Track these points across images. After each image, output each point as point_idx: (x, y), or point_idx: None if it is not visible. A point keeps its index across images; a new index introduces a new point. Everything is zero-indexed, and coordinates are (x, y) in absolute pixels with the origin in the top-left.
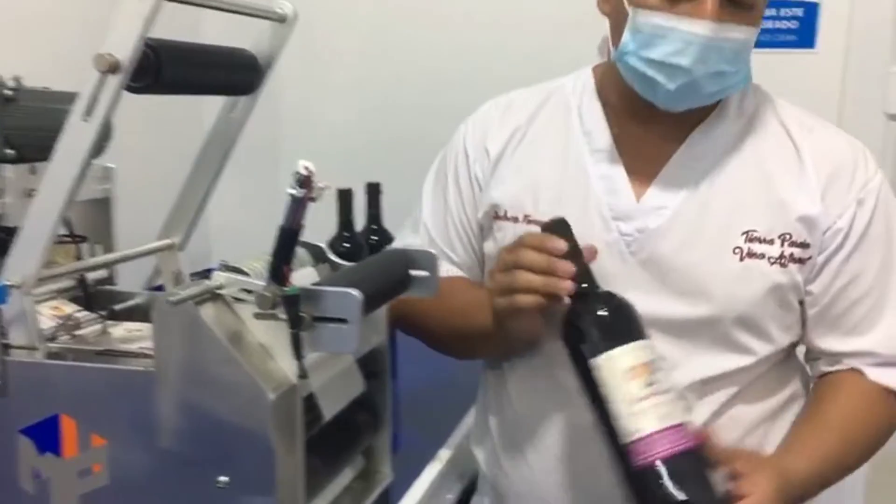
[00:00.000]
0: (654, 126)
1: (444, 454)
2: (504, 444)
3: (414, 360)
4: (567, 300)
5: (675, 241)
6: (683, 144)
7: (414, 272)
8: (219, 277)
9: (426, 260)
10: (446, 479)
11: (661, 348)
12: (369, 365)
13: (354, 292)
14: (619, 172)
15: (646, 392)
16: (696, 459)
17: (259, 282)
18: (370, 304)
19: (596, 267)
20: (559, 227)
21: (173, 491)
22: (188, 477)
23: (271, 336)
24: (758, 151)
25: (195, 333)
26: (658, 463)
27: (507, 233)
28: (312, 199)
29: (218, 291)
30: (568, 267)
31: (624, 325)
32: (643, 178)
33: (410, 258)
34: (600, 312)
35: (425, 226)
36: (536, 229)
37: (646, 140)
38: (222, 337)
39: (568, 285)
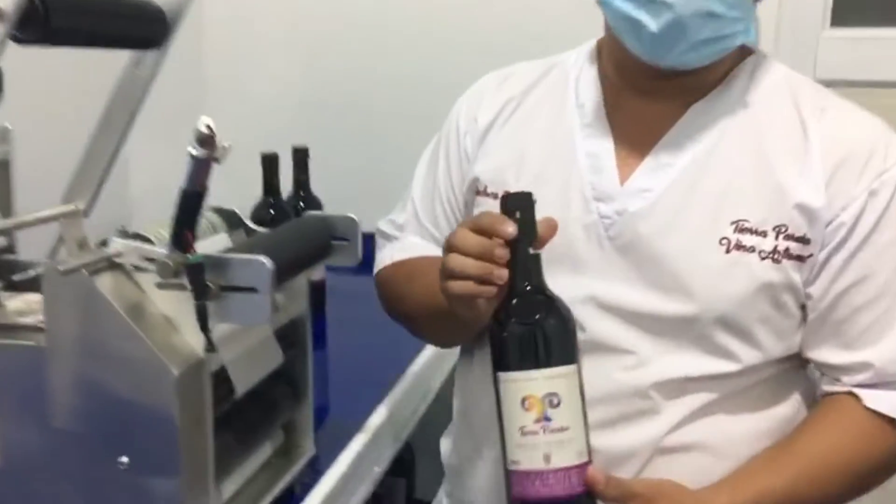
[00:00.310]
0: (651, 101)
1: (372, 424)
2: (462, 434)
3: (344, 330)
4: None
5: (654, 226)
6: (679, 121)
7: (336, 241)
8: (116, 245)
9: (347, 226)
10: (373, 450)
11: (634, 341)
12: (289, 336)
13: (264, 260)
14: (607, 150)
15: (535, 427)
16: None
17: (160, 249)
18: (283, 272)
19: (571, 251)
20: (520, 202)
21: (72, 473)
22: (88, 458)
23: (176, 308)
24: (761, 132)
25: (91, 306)
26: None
27: (485, 208)
28: (216, 160)
29: (116, 260)
30: (502, 254)
31: (543, 345)
32: (633, 158)
33: (330, 224)
34: (522, 322)
35: (413, 202)
36: None
37: (641, 116)
38: (121, 309)
39: (502, 274)
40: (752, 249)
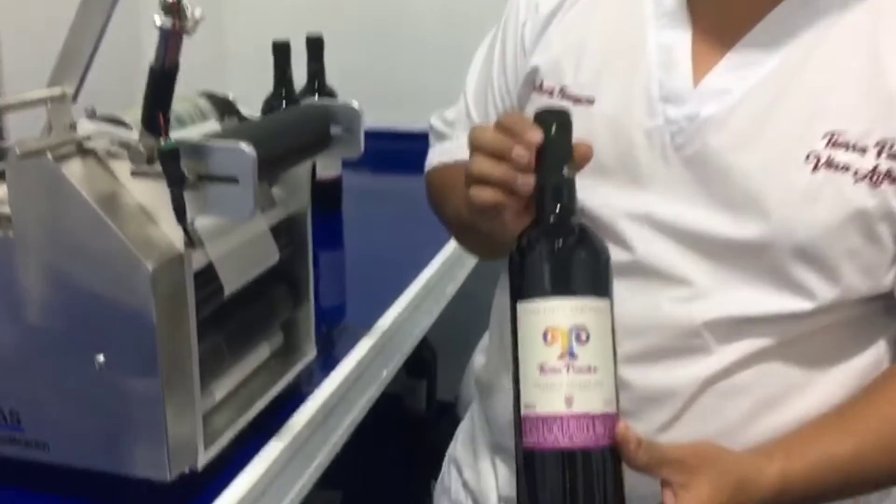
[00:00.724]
0: None
1: (381, 326)
2: (494, 350)
3: (362, 230)
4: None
5: (730, 135)
6: (774, 10)
7: (335, 129)
8: (84, 127)
9: (348, 116)
10: (382, 353)
11: (691, 270)
12: (288, 233)
13: (245, 147)
14: (683, 42)
15: (558, 364)
16: (596, 463)
17: (131, 133)
18: (271, 162)
19: (628, 160)
20: (554, 118)
21: (47, 371)
22: (62, 356)
23: (155, 199)
24: (878, 28)
25: (57, 194)
26: (541, 453)
27: (538, 107)
28: (185, 32)
29: (87, 145)
30: (522, 153)
31: (570, 272)
32: (713, 54)
33: (331, 113)
34: (548, 245)
35: (465, 96)
36: (570, 106)
37: (728, 6)
38: (90, 198)
39: (527, 181)
40: (845, 169)
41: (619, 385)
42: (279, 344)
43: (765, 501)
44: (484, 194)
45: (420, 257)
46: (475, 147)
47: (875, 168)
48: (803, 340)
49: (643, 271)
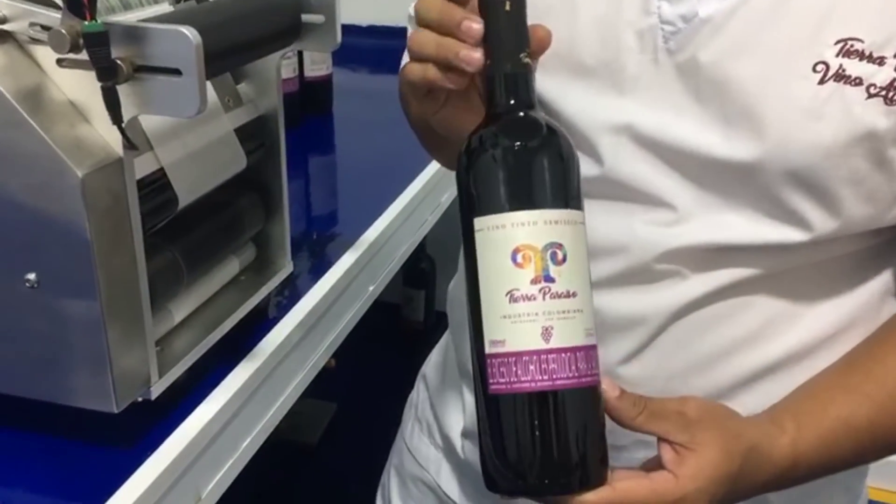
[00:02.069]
0: None
1: (367, 238)
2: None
3: (354, 134)
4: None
5: (729, 39)
6: None
7: (306, 17)
8: (2, 6)
9: (321, 0)
10: (368, 267)
11: (672, 190)
12: (257, 136)
13: (186, 31)
14: None
15: (531, 290)
16: (579, 404)
17: (54, 14)
18: (224, 52)
19: (614, 63)
20: None
21: None
22: None
23: (90, 93)
24: None
25: None
26: (512, 396)
27: None
28: None
29: (4, 28)
30: (476, 29)
31: (538, 178)
32: None
33: None
34: (508, 145)
35: None
36: None
37: None
38: (8, 91)
39: (470, 57)
40: (857, 82)
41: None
42: (251, 259)
43: (774, 478)
44: (419, 70)
45: (416, 162)
46: (419, 19)
47: (892, 82)
48: (791, 273)
49: (616, 188)
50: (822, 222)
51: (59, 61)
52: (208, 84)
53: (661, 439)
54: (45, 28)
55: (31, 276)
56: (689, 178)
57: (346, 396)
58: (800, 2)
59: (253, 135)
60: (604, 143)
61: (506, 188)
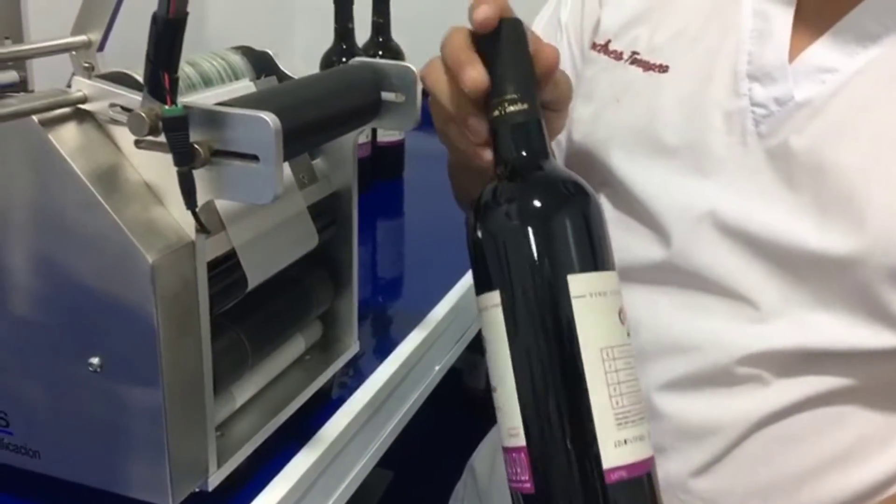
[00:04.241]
0: None
1: (436, 316)
2: None
3: (425, 199)
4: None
5: (827, 125)
6: None
7: (386, 95)
8: (80, 85)
9: (403, 79)
10: (435, 347)
11: (757, 285)
12: (329, 212)
13: (266, 117)
14: (784, 9)
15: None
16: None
17: (135, 96)
18: (302, 135)
19: (698, 144)
20: (505, 30)
21: (36, 370)
22: (53, 355)
23: (165, 176)
24: None
25: (45, 164)
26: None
27: (598, 71)
28: None
29: (84, 108)
30: (472, 74)
31: (572, 238)
32: (818, 25)
33: (382, 76)
34: (525, 205)
35: None
36: (638, 73)
37: None
38: (81, 171)
39: (468, 82)
40: None
41: (648, 412)
42: (317, 337)
43: None
44: (436, 110)
45: None
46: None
47: None
48: (889, 386)
49: (690, 277)
50: None
51: (136, 143)
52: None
53: None
54: (126, 109)
55: (95, 360)
56: (776, 272)
57: (402, 464)
58: None
59: (325, 211)
60: (679, 228)
61: (539, 240)
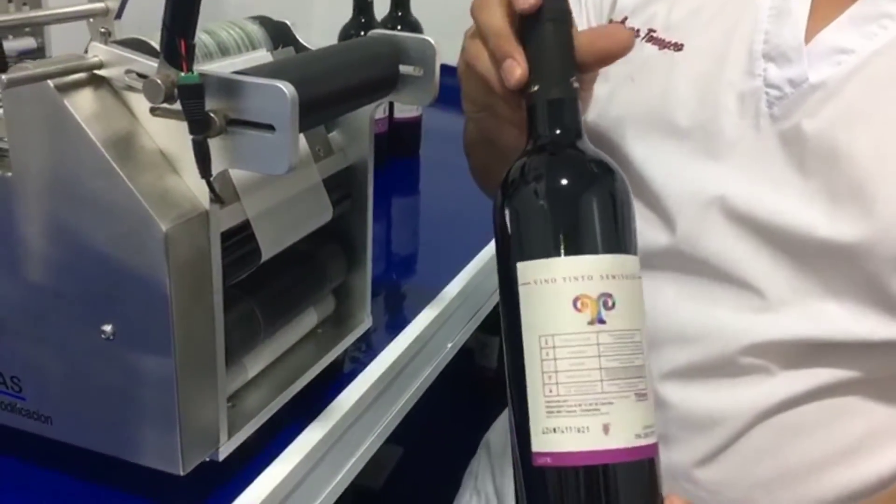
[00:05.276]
0: None
1: (449, 293)
2: None
3: (441, 177)
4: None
5: (842, 108)
6: None
7: (404, 68)
8: (97, 51)
9: (421, 52)
10: (447, 324)
11: (764, 273)
12: (345, 186)
13: (283, 86)
14: None
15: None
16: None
17: (151, 62)
18: (319, 106)
19: (710, 127)
20: (549, 13)
21: (50, 337)
22: (66, 322)
23: (181, 144)
24: None
25: (61, 130)
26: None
27: None
28: None
29: (100, 73)
30: (516, 71)
31: (620, 220)
32: (837, 6)
33: (400, 48)
34: (557, 179)
35: None
36: (654, 51)
37: None
38: (97, 138)
39: (511, 78)
40: None
41: (655, 402)
42: (330, 311)
43: None
44: (468, 86)
45: None
46: (476, 27)
47: None
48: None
49: (695, 264)
50: None
51: (152, 110)
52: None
53: None
54: (141, 76)
55: (108, 327)
56: (784, 260)
57: (413, 440)
58: None
59: (340, 184)
60: (686, 213)
61: (558, 223)
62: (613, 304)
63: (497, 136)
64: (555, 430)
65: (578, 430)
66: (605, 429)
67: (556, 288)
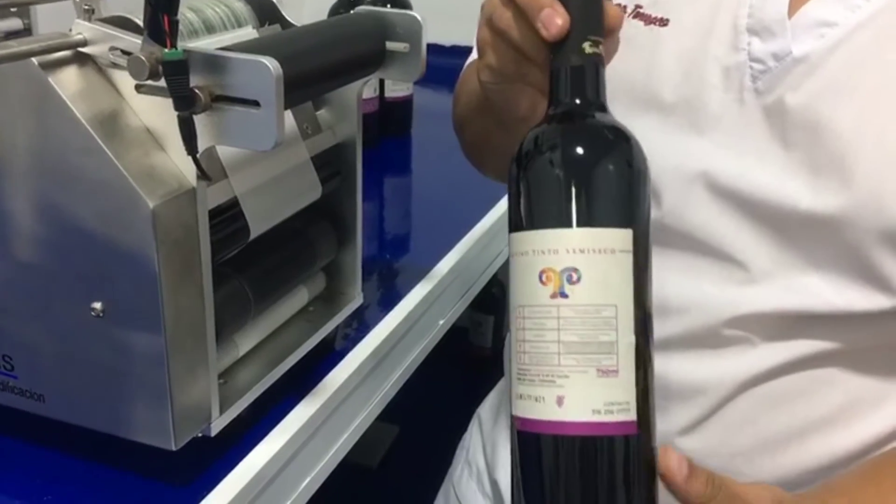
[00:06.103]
0: None
1: (440, 270)
2: None
3: (433, 156)
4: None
5: (822, 80)
6: None
7: (391, 44)
8: (81, 28)
9: (408, 28)
10: (439, 301)
11: (747, 246)
12: (334, 163)
13: (267, 62)
14: None
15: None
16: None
17: (136, 39)
18: (304, 82)
19: (695, 101)
20: None
21: (40, 315)
22: (56, 300)
23: (167, 121)
24: None
25: (45, 108)
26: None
27: None
28: None
29: (84, 51)
30: (557, 21)
31: (592, 191)
32: None
33: (386, 24)
34: (563, 150)
35: None
36: (640, 27)
37: None
38: (82, 115)
39: (552, 27)
40: None
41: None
42: (320, 289)
43: None
44: (489, 57)
45: (493, 189)
46: None
47: None
48: (878, 348)
49: (679, 238)
50: None
51: (137, 87)
52: (287, 111)
53: None
54: (126, 53)
55: (97, 304)
56: (767, 233)
57: (408, 419)
58: None
59: (329, 162)
60: (671, 188)
61: (553, 195)
62: (579, 279)
63: (512, 106)
64: (521, 396)
65: (535, 400)
66: (559, 401)
67: (528, 260)
